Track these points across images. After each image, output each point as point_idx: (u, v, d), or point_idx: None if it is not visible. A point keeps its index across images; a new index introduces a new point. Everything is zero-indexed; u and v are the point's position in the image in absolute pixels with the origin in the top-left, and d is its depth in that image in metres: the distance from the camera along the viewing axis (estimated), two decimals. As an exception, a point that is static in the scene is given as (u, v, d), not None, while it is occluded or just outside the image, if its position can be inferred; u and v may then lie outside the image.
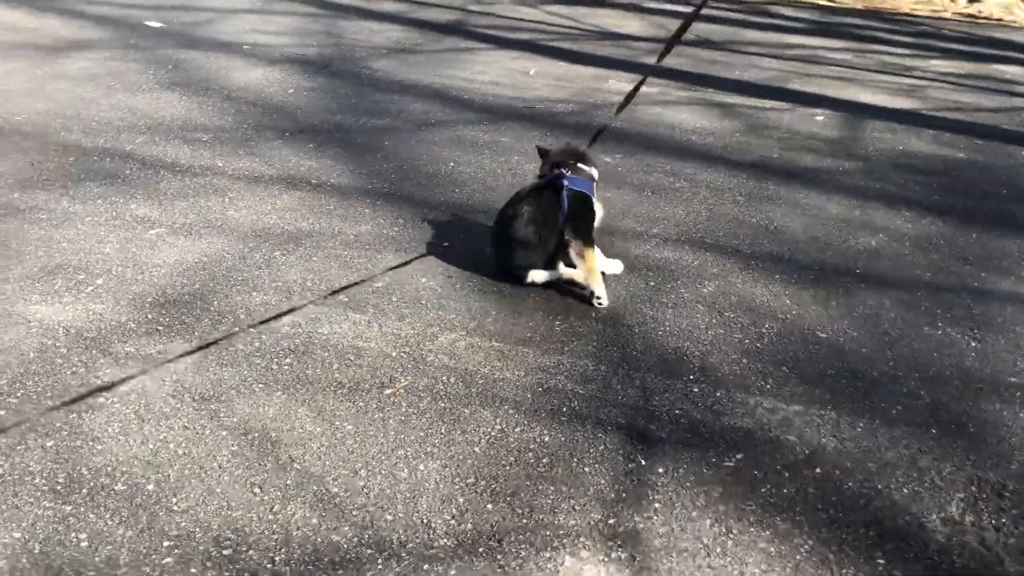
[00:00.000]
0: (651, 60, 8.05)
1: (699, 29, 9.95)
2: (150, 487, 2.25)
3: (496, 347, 3.00)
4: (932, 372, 3.04)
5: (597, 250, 3.47)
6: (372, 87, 6.37)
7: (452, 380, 2.80)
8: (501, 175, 4.71)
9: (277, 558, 2.05)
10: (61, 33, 7.29)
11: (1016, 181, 5.14)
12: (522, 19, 9.74)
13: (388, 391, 2.73)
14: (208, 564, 2.01)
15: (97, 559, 2.01)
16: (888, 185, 4.97)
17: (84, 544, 2.05)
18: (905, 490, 2.43)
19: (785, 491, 2.39)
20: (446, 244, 3.81)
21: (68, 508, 2.15)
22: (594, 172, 3.50)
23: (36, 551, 2.01)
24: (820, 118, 6.32)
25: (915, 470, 2.52)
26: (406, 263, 3.57)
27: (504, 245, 3.38)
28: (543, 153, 3.57)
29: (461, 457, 2.44)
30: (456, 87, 6.55)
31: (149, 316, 3.05)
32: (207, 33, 7.74)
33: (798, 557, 2.16)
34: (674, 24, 10.11)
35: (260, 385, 2.71)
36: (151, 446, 2.40)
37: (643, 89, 6.90)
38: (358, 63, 7.10)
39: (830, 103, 6.80)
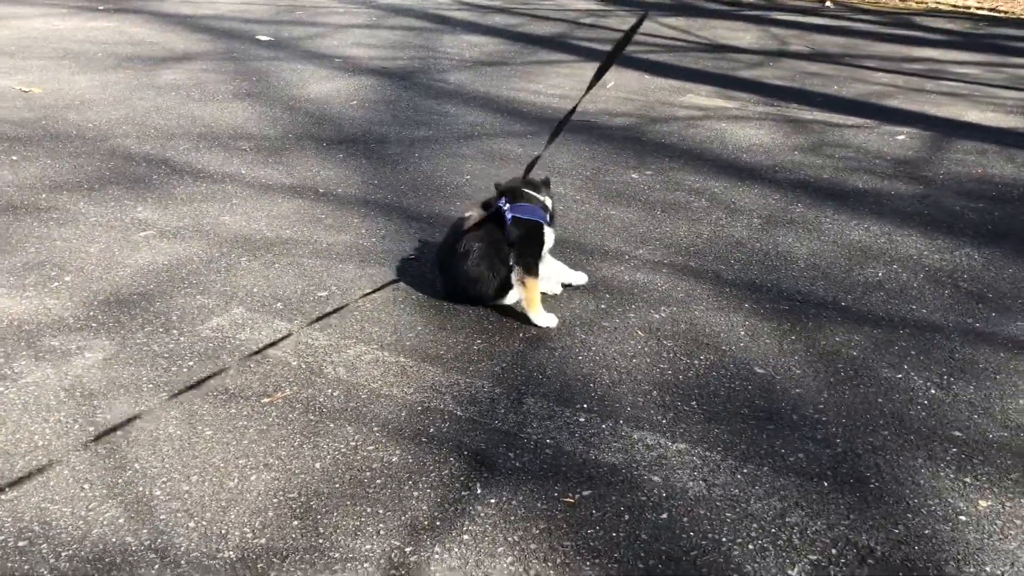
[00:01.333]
0: (747, 74, 7.71)
1: (818, 40, 9.45)
2: (-8, 475, 2.36)
3: (401, 363, 2.97)
4: (864, 419, 2.74)
5: (557, 264, 3.46)
6: (434, 99, 6.46)
7: (335, 394, 2.78)
8: (509, 189, 4.64)
9: (64, 554, 2.11)
10: (174, 46, 7.84)
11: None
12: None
13: (266, 400, 2.75)
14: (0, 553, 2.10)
15: (-95, 538, 2.13)
16: (938, 212, 4.53)
17: (-97, 523, 2.18)
18: (751, 546, 2.20)
19: (613, 535, 2.22)
20: (412, 257, 3.80)
21: (-89, 488, 2.30)
22: (547, 200, 3.38)
23: None
24: (901, 137, 5.85)
25: (776, 525, 2.27)
26: (359, 276, 3.58)
27: (452, 280, 3.32)
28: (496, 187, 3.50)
29: (298, 471, 2.42)
30: (519, 99, 6.53)
31: (90, 313, 3.21)
32: (309, 46, 8.10)
33: (584, 609, 1.99)
34: (793, 36, 9.65)
35: (150, 386, 2.80)
36: (18, 436, 2.52)
37: (719, 103, 6.63)
38: (435, 76, 7.21)
39: (925, 121, 6.28)
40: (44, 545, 2.13)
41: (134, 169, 4.72)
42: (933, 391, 2.90)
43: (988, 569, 2.15)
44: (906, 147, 5.69)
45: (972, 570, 2.15)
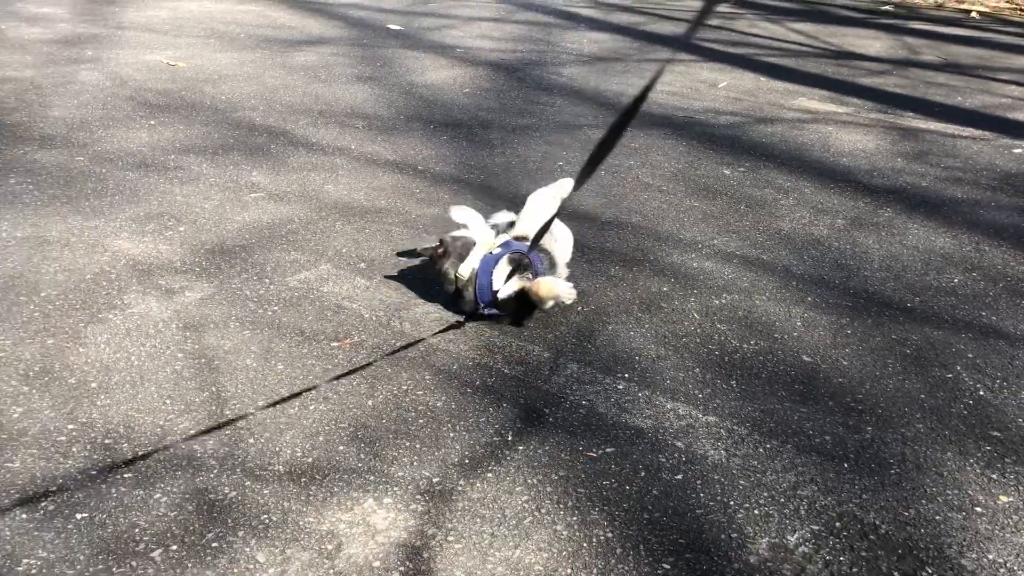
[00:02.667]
0: (867, 81, 7.59)
1: (952, 51, 9.15)
2: (93, 384, 2.72)
3: (463, 324, 3.19)
4: (901, 412, 2.78)
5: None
6: (544, 90, 6.67)
7: (397, 344, 3.03)
8: (600, 176, 4.81)
9: (142, 452, 2.43)
10: (310, 30, 8.34)
11: None
12: (755, 35, 9.54)
13: (335, 344, 3.02)
14: (87, 446, 2.44)
15: (16, 427, 2.50)
16: (1036, 225, 4.42)
17: (15, 415, 2.56)
18: (756, 511, 2.31)
19: (626, 488, 2.38)
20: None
21: (26, 389, 2.68)
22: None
23: (-19, 413, 2.55)
24: (1018, 151, 5.68)
25: (786, 496, 2.38)
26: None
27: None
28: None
29: (351, 406, 2.68)
30: (627, 94, 6.66)
31: (195, 259, 3.58)
32: (435, 37, 8.45)
33: (584, 546, 2.17)
34: (927, 46, 9.37)
35: (237, 323, 3.12)
36: (117, 355, 2.88)
37: (830, 108, 6.59)
38: (549, 68, 7.42)
39: (1048, 136, 6.05)
40: (125, 445, 2.46)
41: (255, 139, 5.12)
42: (982, 392, 2.90)
43: (991, 557, 2.19)
44: (1021, 161, 5.52)
45: (974, 556, 2.19)
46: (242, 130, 5.25)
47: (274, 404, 2.64)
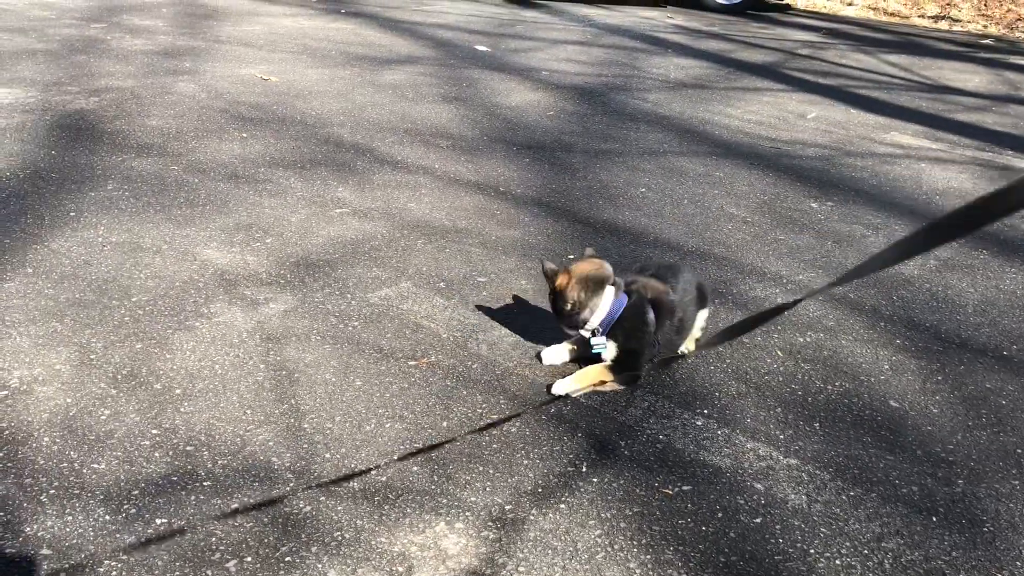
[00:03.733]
0: (963, 116, 7.37)
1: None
2: (177, 391, 2.79)
3: (539, 348, 3.18)
4: (996, 467, 2.66)
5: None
6: (628, 115, 6.65)
7: (474, 366, 3.03)
8: (684, 205, 4.77)
9: (220, 461, 2.47)
10: (399, 49, 8.48)
11: None
12: (846, 65, 9.36)
13: (412, 363, 3.04)
14: (170, 451, 2.49)
15: (103, 429, 2.57)
16: None
17: (103, 417, 2.63)
18: (838, 562, 2.23)
19: (702, 529, 2.32)
20: (571, 256, 4.00)
21: (114, 392, 2.76)
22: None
23: (72, 413, 2.63)
24: (1125, 195, 5.41)
25: (870, 548, 2.29)
26: (518, 267, 3.83)
27: None
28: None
29: (426, 426, 2.68)
30: (713, 122, 6.60)
31: (280, 271, 3.65)
32: (521, 59, 8.51)
33: (657, 587, 2.12)
34: (1024, 82, 9.07)
35: (318, 337, 3.17)
36: (202, 363, 2.95)
37: (924, 143, 6.41)
38: (634, 94, 7.39)
39: None
40: (205, 452, 2.50)
41: (342, 155, 5.21)
42: (1081, 450, 2.76)
43: (1090, 628, 2.06)
44: None
45: (1072, 625, 2.07)
46: (330, 146, 5.35)
47: (350, 420, 2.66)
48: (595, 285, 2.87)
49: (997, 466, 2.66)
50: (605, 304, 2.88)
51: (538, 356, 3.09)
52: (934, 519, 2.41)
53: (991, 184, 5.58)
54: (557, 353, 3.09)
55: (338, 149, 5.29)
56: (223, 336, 3.10)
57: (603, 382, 2.94)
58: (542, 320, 3.37)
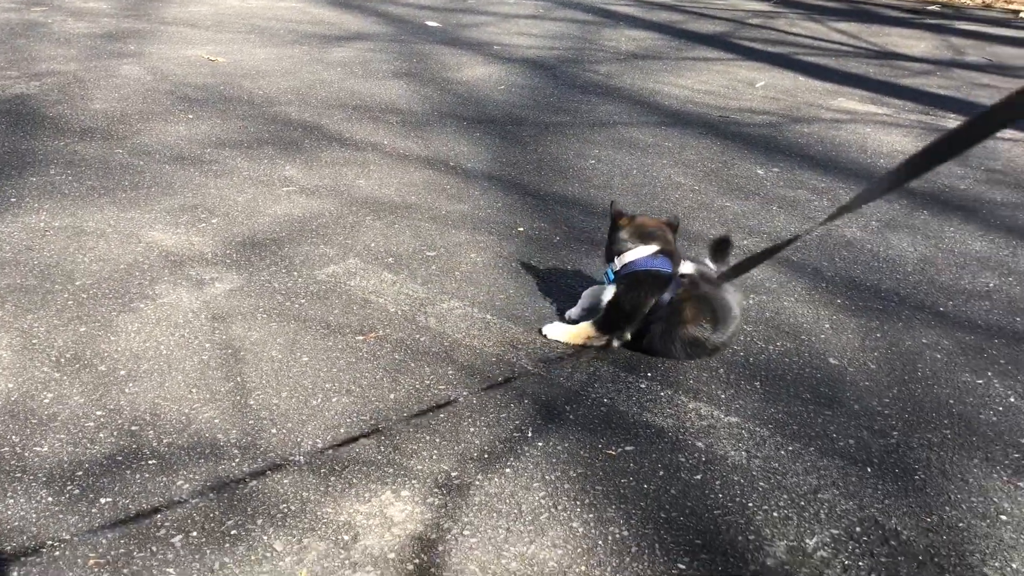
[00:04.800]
0: (909, 81, 7.48)
1: (999, 52, 8.98)
2: (122, 372, 2.78)
3: (487, 319, 3.20)
4: (929, 417, 2.74)
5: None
6: (579, 88, 6.66)
7: (422, 339, 3.05)
8: (633, 175, 4.80)
9: (165, 440, 2.47)
10: (349, 26, 8.41)
11: None
12: (796, 33, 9.44)
13: (360, 338, 3.05)
14: (114, 432, 2.49)
15: (46, 412, 2.56)
16: (1076, 230, 4.33)
17: (46, 401, 2.61)
18: (776, 514, 2.29)
19: (644, 487, 2.37)
20: (521, 228, 4.03)
21: (57, 375, 2.74)
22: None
23: (13, 398, 2.61)
24: (1062, 154, 5.55)
25: (806, 499, 2.35)
26: (468, 241, 3.84)
27: None
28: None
29: (373, 399, 2.70)
30: (663, 92, 6.63)
31: (227, 251, 3.63)
32: (473, 34, 8.47)
33: (600, 543, 2.16)
34: (973, 46, 9.21)
35: (264, 315, 3.16)
36: (147, 343, 2.94)
37: (870, 108, 6.50)
38: (586, 66, 7.40)
39: (1093, 139, 5.92)
40: (151, 431, 2.50)
41: (290, 133, 5.18)
42: (1012, 399, 2.85)
43: (1014, 566, 2.15)
44: (1064, 164, 5.40)
45: (997, 565, 2.15)
46: (277, 125, 5.31)
47: (296, 395, 2.67)
48: (640, 236, 3.02)
49: (930, 417, 2.74)
50: (635, 255, 3.00)
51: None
52: (869, 470, 2.48)
53: (933, 146, 5.67)
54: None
55: (286, 128, 5.25)
56: (168, 317, 3.09)
57: (589, 337, 3.04)
58: (492, 291, 3.40)
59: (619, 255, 3.04)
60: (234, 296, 3.25)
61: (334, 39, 7.81)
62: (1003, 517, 2.32)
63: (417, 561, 2.07)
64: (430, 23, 8.94)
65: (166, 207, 3.99)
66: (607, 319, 2.99)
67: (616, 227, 3.11)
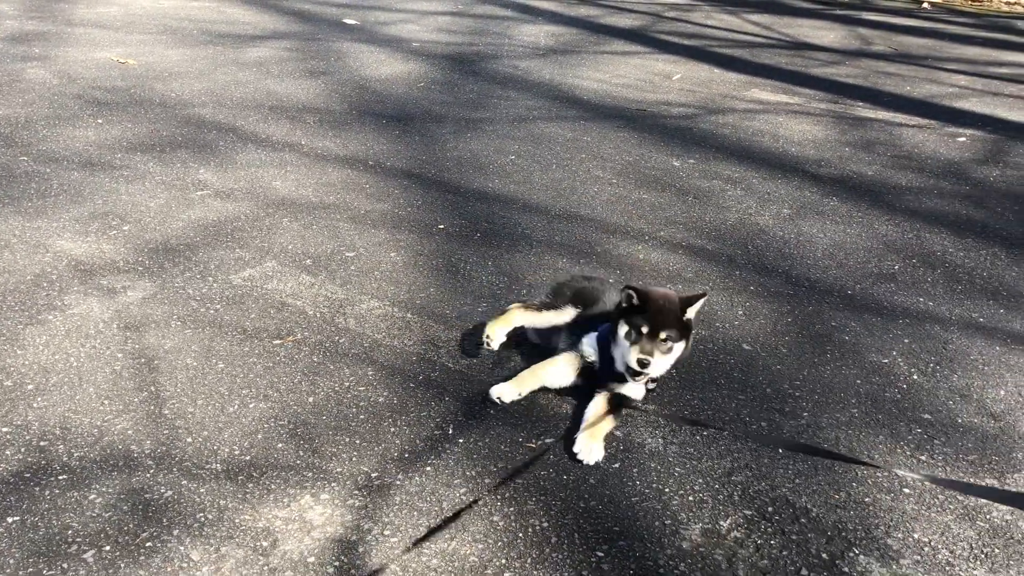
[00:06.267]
0: (819, 71, 7.68)
1: (904, 42, 9.28)
2: (29, 386, 2.70)
3: (407, 318, 3.19)
4: (838, 397, 2.83)
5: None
6: (499, 84, 6.67)
7: (341, 341, 3.03)
8: (552, 170, 4.84)
9: (76, 454, 2.41)
10: (264, 26, 8.27)
11: None
12: (711, 26, 9.60)
13: (277, 342, 3.02)
14: (22, 449, 2.41)
15: (-51, 431, 2.47)
16: (977, 212, 4.51)
17: (-51, 419, 2.52)
18: (691, 498, 2.35)
19: (564, 478, 2.40)
20: (442, 226, 4.02)
21: (-40, 392, 2.65)
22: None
23: (-88, 417, 2.51)
24: (962, 139, 5.78)
25: (720, 482, 2.41)
26: (388, 240, 3.83)
27: None
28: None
29: (292, 403, 2.67)
30: (582, 87, 6.68)
31: (139, 259, 3.55)
32: (390, 31, 8.41)
33: (520, 536, 2.18)
34: (879, 36, 9.50)
35: (179, 322, 3.10)
36: (55, 356, 2.85)
37: (782, 98, 6.65)
38: (505, 62, 7.42)
39: (993, 124, 6.17)
40: (61, 446, 2.44)
41: (204, 136, 5.08)
42: (916, 377, 2.96)
43: (916, 536, 2.24)
44: (964, 148, 5.62)
45: (900, 536, 2.24)
46: (191, 127, 5.21)
47: (212, 403, 2.63)
48: None
49: (839, 397, 2.84)
50: None
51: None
52: (780, 451, 2.55)
53: (843, 134, 5.85)
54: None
55: (200, 130, 5.15)
56: (78, 328, 3.01)
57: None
58: (413, 290, 3.40)
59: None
60: (147, 304, 3.18)
61: (249, 39, 7.68)
62: (906, 490, 2.41)
63: (337, 563, 2.07)
64: (348, 21, 8.85)
65: (75, 215, 3.89)
66: None
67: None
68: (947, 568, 2.14)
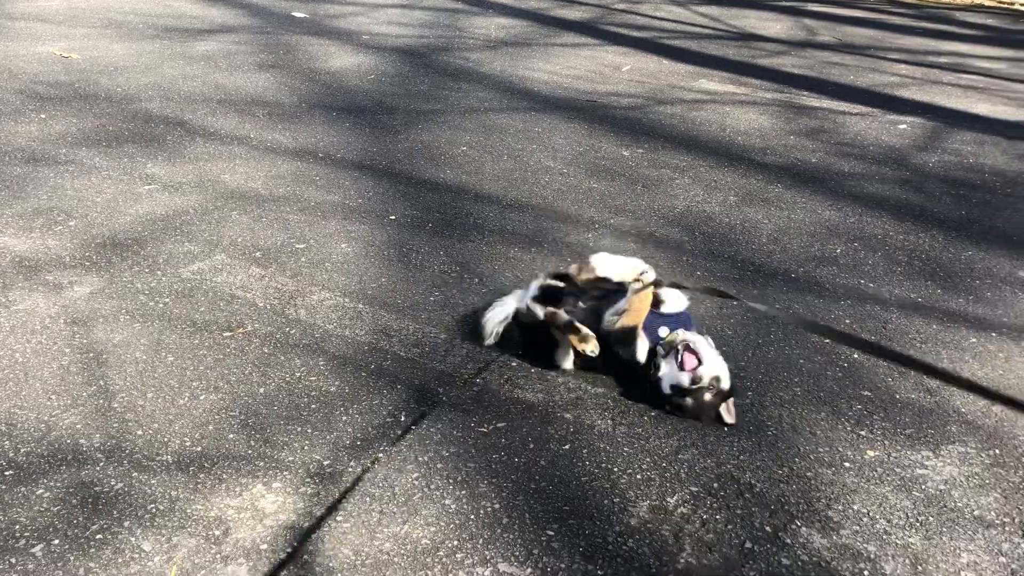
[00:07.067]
0: (766, 62, 7.80)
1: (848, 32, 9.46)
2: (-26, 383, 2.66)
3: (359, 308, 3.20)
4: (780, 377, 2.91)
5: None
6: (450, 76, 6.68)
7: (292, 332, 3.03)
8: (504, 160, 4.87)
9: (24, 449, 2.39)
10: (213, 19, 8.18)
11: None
12: (660, 17, 9.69)
13: (227, 334, 3.01)
14: (-33, 446, 2.39)
15: None
16: (917, 197, 4.64)
17: None
18: (639, 476, 2.40)
19: (515, 460, 2.43)
20: (393, 217, 4.04)
21: (-98, 390, 2.61)
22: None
23: None
24: (903, 126, 5.92)
25: (668, 460, 2.47)
26: (339, 231, 3.83)
27: None
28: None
29: (243, 394, 2.67)
30: (533, 78, 6.72)
31: (85, 254, 3.51)
32: (340, 24, 8.37)
33: (472, 518, 2.22)
34: (824, 27, 9.67)
35: (127, 316, 3.08)
36: (0, 352, 2.82)
37: (729, 88, 6.75)
38: (456, 54, 7.43)
39: (933, 112, 6.33)
40: (7, 441, 2.41)
41: (151, 130, 5.03)
42: (856, 355, 3.05)
43: (855, 508, 2.31)
44: (905, 135, 5.76)
45: (840, 507, 2.31)
46: (138, 121, 5.15)
47: (162, 396, 2.62)
48: None
49: (782, 376, 2.91)
50: None
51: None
52: (725, 429, 2.62)
53: (788, 122, 5.97)
54: None
55: (147, 124, 5.10)
56: (24, 324, 2.98)
57: None
58: (364, 280, 3.41)
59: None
60: (94, 299, 3.16)
61: (197, 32, 7.59)
62: (846, 464, 2.49)
63: (289, 550, 2.08)
64: (297, 14, 8.79)
65: (18, 211, 3.83)
66: None
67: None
68: (884, 537, 2.22)
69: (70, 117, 5.12)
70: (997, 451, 2.58)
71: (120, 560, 2.03)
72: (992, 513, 2.32)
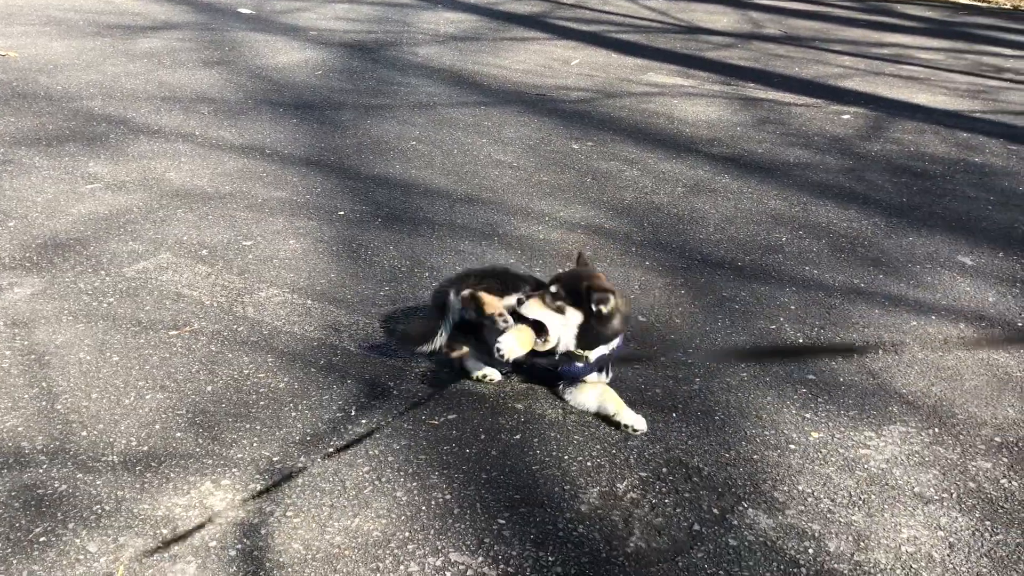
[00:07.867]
0: (713, 54, 7.88)
1: (793, 24, 9.60)
2: (-90, 388, 2.59)
3: (307, 305, 3.18)
4: (728, 363, 2.94)
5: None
6: (399, 71, 6.65)
7: (240, 329, 3.00)
8: (454, 155, 4.86)
9: (-37, 454, 2.33)
10: (155, 16, 8.03)
11: (1013, 187, 4.75)
12: (608, 11, 9.74)
13: (174, 332, 2.97)
14: (-97, 451, 2.33)
15: None
16: (860, 185, 4.73)
17: None
18: (589, 463, 2.42)
19: (466, 451, 2.44)
20: (342, 212, 4.01)
21: None
22: None
23: None
24: (846, 116, 6.02)
25: (616, 447, 2.49)
26: (287, 228, 3.79)
27: None
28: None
29: (190, 393, 2.64)
30: (482, 73, 6.72)
31: (26, 255, 3.43)
32: (287, 19, 8.27)
33: (423, 509, 2.22)
34: (770, 20, 9.80)
35: (70, 317, 3.02)
36: (-62, 357, 2.75)
37: (677, 81, 6.81)
38: (405, 49, 7.39)
39: (875, 102, 6.45)
40: (-54, 446, 2.36)
41: (93, 128, 4.93)
42: (801, 340, 3.11)
43: (800, 488, 2.36)
44: (848, 125, 5.87)
45: (785, 488, 2.36)
46: (79, 120, 5.05)
47: (107, 396, 2.58)
48: None
49: (729, 362, 2.95)
50: None
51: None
52: (674, 415, 2.65)
53: (735, 114, 6.04)
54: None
55: (88, 123, 5.00)
56: (-38, 327, 2.91)
57: None
58: (313, 276, 3.39)
59: None
60: (36, 300, 3.10)
61: (139, 29, 7.46)
62: (792, 446, 2.54)
63: (240, 547, 2.07)
64: (243, 10, 8.68)
65: (-46, 212, 3.74)
66: None
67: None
68: (828, 515, 2.27)
69: (8, 116, 5.01)
70: (936, 430, 2.65)
71: (65, 562, 2.00)
72: (931, 489, 2.38)
